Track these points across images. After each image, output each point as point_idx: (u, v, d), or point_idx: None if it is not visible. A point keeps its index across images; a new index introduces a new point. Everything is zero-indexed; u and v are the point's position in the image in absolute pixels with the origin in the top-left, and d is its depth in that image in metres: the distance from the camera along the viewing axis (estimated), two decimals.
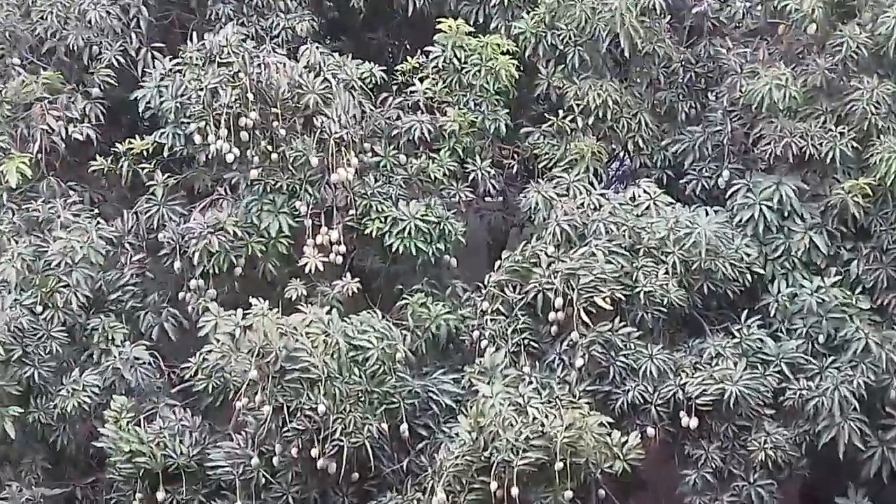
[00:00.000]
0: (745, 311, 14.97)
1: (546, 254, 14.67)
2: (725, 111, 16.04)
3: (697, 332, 15.19)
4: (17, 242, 14.70)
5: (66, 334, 14.66)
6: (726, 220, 15.24)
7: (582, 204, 15.05)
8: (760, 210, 15.26)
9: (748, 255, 14.99)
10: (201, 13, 16.40)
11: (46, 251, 14.67)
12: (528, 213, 15.42)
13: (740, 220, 15.28)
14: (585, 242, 14.70)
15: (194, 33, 15.52)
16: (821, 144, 15.18)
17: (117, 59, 15.77)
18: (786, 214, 15.31)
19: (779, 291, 15.05)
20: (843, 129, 15.24)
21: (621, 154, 16.77)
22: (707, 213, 15.19)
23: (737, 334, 14.78)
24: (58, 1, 15.53)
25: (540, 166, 15.99)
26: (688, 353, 14.85)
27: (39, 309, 14.54)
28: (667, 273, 14.58)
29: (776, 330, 14.97)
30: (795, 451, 14.63)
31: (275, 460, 14.02)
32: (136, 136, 15.33)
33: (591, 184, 15.46)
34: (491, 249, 17.05)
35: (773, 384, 14.51)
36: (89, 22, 15.60)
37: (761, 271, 15.11)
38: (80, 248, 14.56)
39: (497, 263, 15.02)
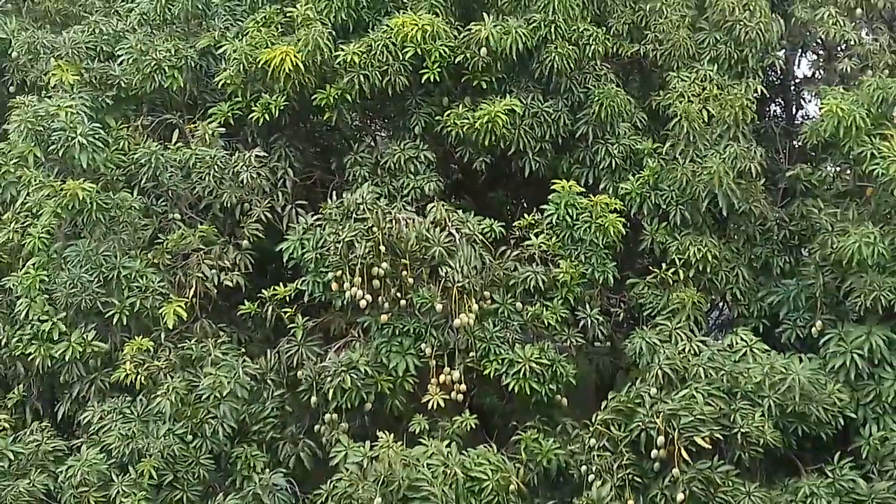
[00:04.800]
0: (838, 453, 14.86)
1: (649, 395, 14.69)
2: (818, 266, 15.99)
3: (792, 472, 15.02)
4: (172, 378, 15.00)
5: (212, 461, 14.88)
6: (819, 367, 15.17)
7: (683, 350, 15.03)
8: (852, 358, 15.23)
9: (840, 400, 14.92)
10: (340, 174, 16.66)
11: (198, 386, 14.93)
12: (633, 357, 15.33)
13: (833, 367, 15.24)
14: (686, 385, 14.64)
15: (334, 192, 15.90)
16: None
17: (265, 215, 16.00)
18: (876, 362, 15.28)
19: (870, 435, 15.05)
20: None
21: (720, 304, 16.87)
22: (801, 361, 15.11)
23: (830, 475, 14.69)
24: (214, 164, 15.97)
25: (644, 314, 15.98)
26: (784, 492, 14.70)
27: (190, 438, 14.84)
28: (763, 415, 14.44)
29: (868, 471, 14.87)
30: None
31: None
32: (280, 284, 15.52)
33: (692, 331, 15.43)
34: (598, 390, 16.91)
35: None
36: (241, 182, 15.98)
37: (853, 415, 15.07)
38: (228, 383, 14.81)
39: (604, 403, 14.99)
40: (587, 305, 15.73)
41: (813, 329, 15.81)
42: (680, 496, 14.25)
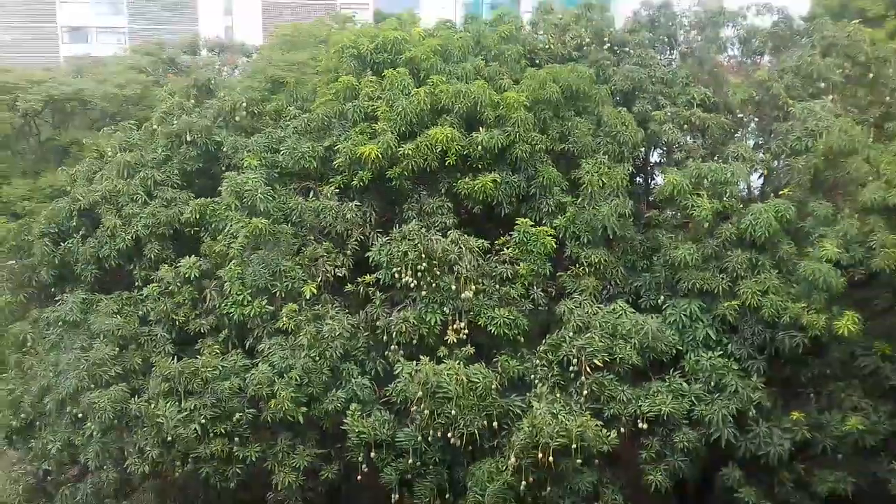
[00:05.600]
0: (671, 369, 15.18)
1: (569, 337, 14.89)
2: (662, 265, 16.02)
3: (647, 379, 15.20)
4: (308, 326, 15.01)
5: (329, 372, 14.94)
6: (662, 321, 15.30)
7: (587, 312, 15.24)
8: (680, 317, 15.40)
9: (673, 340, 15.21)
10: (400, 215, 16.44)
11: (322, 330, 15.05)
12: (560, 316, 15.43)
13: (670, 322, 15.41)
14: (588, 331, 14.89)
15: (396, 224, 15.98)
16: (711, 282, 15.49)
17: (360, 237, 16.01)
18: (694, 318, 15.43)
19: (689, 359, 15.24)
20: (724, 275, 15.42)
21: (608, 286, 16.43)
22: (652, 318, 15.22)
23: (667, 381, 14.98)
24: (332, 209, 15.88)
25: (566, 293, 15.97)
26: (641, 390, 14.90)
27: (318, 359, 14.98)
28: (633, 348, 14.74)
29: (688, 379, 15.05)
30: (699, 443, 14.73)
31: (429, 437, 14.46)
32: (367, 275, 15.59)
33: (592, 302, 15.58)
34: (540, 334, 16.03)
35: (687, 407, 14.70)
36: (347, 219, 16.08)
37: (680, 348, 15.34)
38: (339, 328, 14.94)
39: (544, 341, 15.17)
40: (535, 287, 15.73)
41: (659, 301, 15.87)
42: (585, 392, 14.56)
